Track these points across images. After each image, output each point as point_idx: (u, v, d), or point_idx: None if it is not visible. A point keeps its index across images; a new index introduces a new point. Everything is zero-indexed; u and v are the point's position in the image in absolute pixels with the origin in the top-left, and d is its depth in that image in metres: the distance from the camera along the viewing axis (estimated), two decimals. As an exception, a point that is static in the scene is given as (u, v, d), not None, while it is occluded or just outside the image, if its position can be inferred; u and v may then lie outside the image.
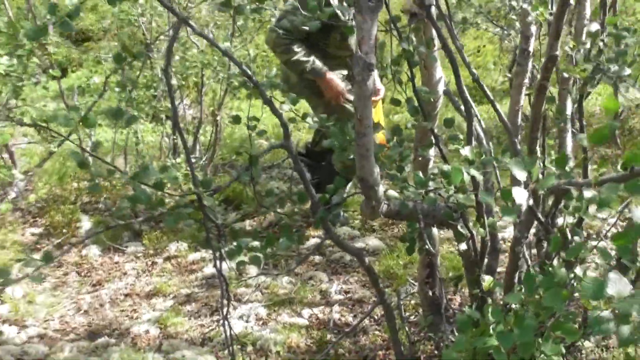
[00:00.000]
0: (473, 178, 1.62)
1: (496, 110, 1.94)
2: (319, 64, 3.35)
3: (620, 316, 0.86)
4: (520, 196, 1.20)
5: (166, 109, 4.51)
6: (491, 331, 1.38)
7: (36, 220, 4.06)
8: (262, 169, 5.01)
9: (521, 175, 1.21)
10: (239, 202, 4.22)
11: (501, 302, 1.82)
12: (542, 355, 1.36)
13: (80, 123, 1.31)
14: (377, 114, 3.65)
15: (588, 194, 1.18)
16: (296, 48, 3.29)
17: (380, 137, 3.48)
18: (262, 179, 4.82)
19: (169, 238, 3.71)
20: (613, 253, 1.33)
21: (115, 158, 4.96)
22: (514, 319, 1.26)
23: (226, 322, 1.69)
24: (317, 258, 3.48)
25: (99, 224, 3.92)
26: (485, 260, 2.14)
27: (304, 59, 3.30)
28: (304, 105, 3.73)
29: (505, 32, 3.90)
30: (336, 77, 3.42)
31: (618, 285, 0.88)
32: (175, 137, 4.90)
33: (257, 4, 1.54)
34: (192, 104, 5.72)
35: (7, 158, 4.28)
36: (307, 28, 3.26)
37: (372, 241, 3.66)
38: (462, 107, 1.92)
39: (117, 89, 3.91)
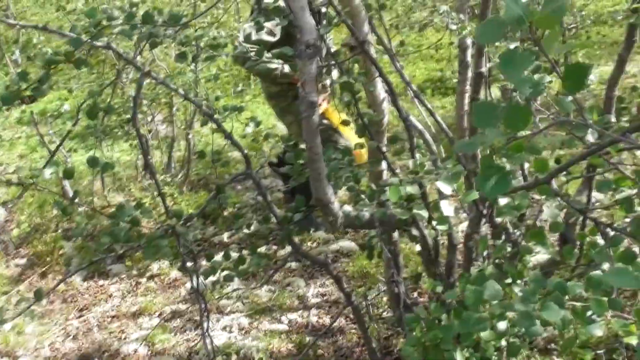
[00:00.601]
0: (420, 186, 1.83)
1: (436, 120, 2.14)
2: (287, 67, 3.53)
3: (493, 316, 1.06)
4: (447, 209, 1.40)
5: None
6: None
7: (19, 251, 4.18)
8: (238, 181, 5.18)
9: (446, 189, 1.41)
10: (216, 216, 4.38)
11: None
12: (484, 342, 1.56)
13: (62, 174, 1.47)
14: (332, 113, 3.79)
15: (503, 201, 1.39)
16: (263, 58, 3.45)
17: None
18: (238, 190, 4.99)
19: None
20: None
21: (93, 181, 5.10)
22: (453, 312, 1.46)
23: (207, 338, 1.87)
24: (294, 265, 3.66)
25: (81, 249, 4.06)
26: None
27: (273, 66, 3.48)
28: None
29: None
30: None
31: (492, 292, 1.08)
32: (150, 157, 5.06)
33: (211, 51, 1.72)
34: (164, 119, 5.86)
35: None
36: (272, 39, 3.45)
37: (346, 243, 3.85)
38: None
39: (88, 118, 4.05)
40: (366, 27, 1.87)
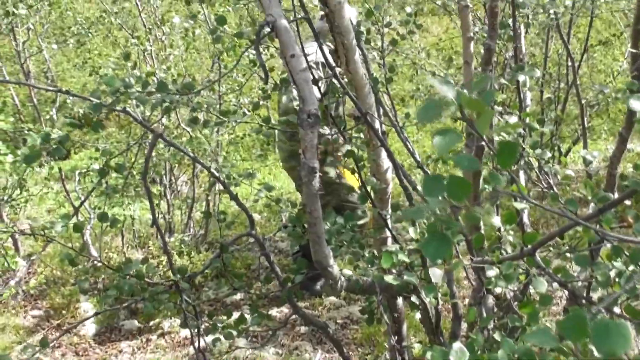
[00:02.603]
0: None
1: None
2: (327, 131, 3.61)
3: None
4: (436, 276, 1.44)
5: (159, 192, 4.80)
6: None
7: (37, 302, 4.27)
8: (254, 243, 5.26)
9: (434, 263, 1.46)
10: (237, 275, 4.43)
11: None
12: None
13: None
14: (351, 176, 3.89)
15: (491, 272, 1.43)
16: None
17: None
18: (253, 253, 5.05)
19: (163, 314, 3.91)
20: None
21: (114, 237, 5.23)
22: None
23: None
24: (303, 329, 3.67)
25: (97, 304, 4.13)
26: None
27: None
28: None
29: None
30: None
31: (456, 357, 1.12)
32: (170, 216, 5.19)
33: (221, 117, 1.84)
34: (188, 180, 6.02)
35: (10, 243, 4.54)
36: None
37: (356, 309, 3.86)
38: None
39: (114, 175, 4.21)
40: (370, 99, 1.97)
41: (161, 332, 3.77)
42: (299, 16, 1.87)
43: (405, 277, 1.61)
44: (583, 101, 4.56)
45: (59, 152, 1.51)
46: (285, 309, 3.87)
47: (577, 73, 4.62)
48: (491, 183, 0.84)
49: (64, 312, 4.04)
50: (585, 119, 4.49)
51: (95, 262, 3.65)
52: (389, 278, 1.63)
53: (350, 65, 1.90)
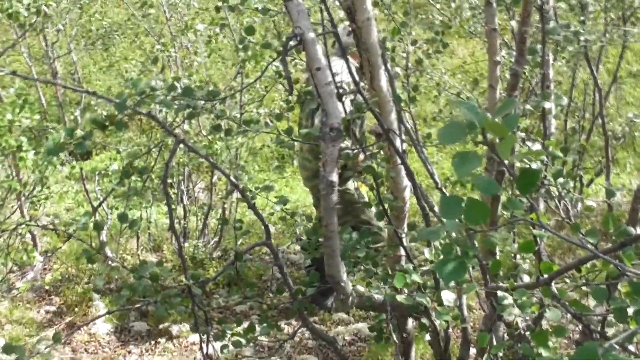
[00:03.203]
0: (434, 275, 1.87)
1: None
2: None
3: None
4: (448, 299, 1.43)
5: (175, 195, 4.85)
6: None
7: (52, 298, 4.31)
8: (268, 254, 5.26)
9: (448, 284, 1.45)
10: (248, 284, 4.43)
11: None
12: None
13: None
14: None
15: (507, 301, 1.42)
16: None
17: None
18: (264, 264, 5.06)
19: (173, 318, 3.91)
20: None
21: (129, 239, 5.26)
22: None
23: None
24: (311, 342, 3.65)
25: (110, 303, 4.15)
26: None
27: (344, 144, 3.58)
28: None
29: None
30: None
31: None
32: (185, 222, 5.22)
33: (244, 126, 1.85)
34: (206, 187, 6.05)
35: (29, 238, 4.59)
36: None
37: (365, 327, 3.83)
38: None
39: (133, 178, 4.25)
40: (393, 116, 1.98)
41: (170, 336, 3.78)
42: (327, 30, 1.89)
43: (416, 298, 1.60)
44: (609, 133, 4.50)
45: (81, 147, 1.53)
46: (294, 322, 3.86)
47: (604, 104, 4.57)
48: (510, 209, 0.83)
49: (76, 309, 4.07)
50: (609, 151, 4.44)
51: (110, 262, 3.68)
52: (400, 297, 1.62)
53: (374, 82, 1.91)
